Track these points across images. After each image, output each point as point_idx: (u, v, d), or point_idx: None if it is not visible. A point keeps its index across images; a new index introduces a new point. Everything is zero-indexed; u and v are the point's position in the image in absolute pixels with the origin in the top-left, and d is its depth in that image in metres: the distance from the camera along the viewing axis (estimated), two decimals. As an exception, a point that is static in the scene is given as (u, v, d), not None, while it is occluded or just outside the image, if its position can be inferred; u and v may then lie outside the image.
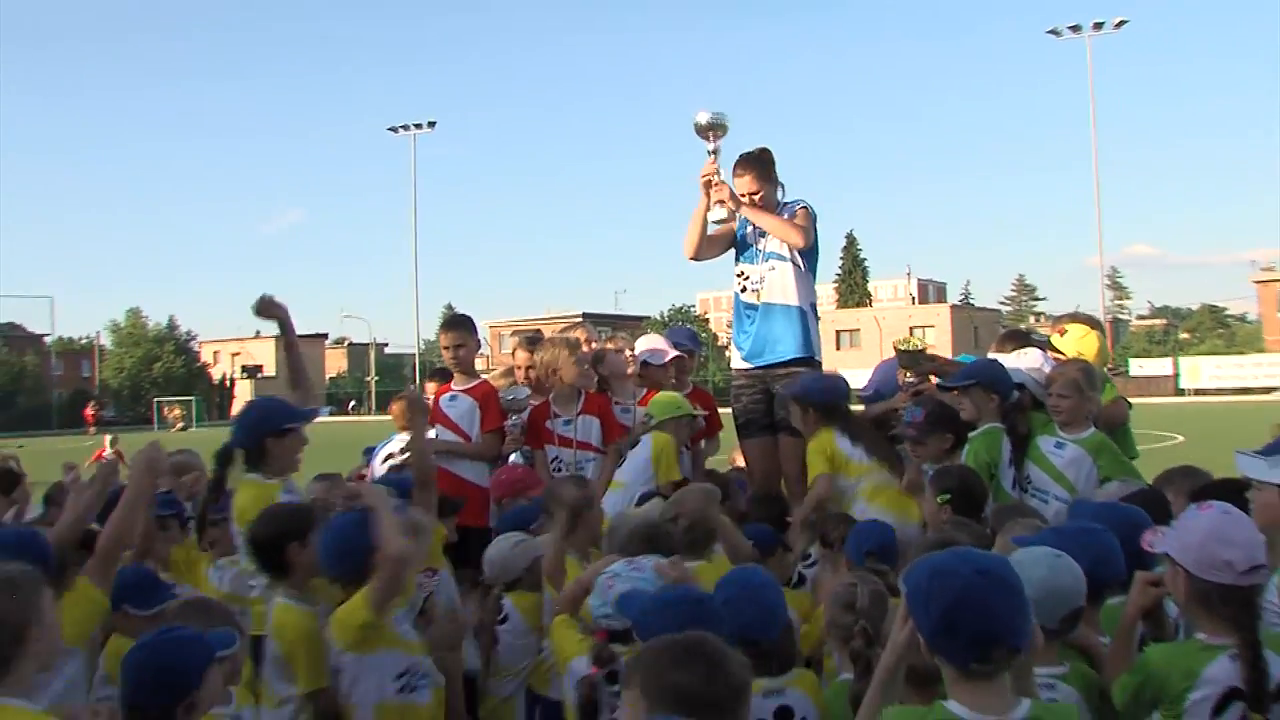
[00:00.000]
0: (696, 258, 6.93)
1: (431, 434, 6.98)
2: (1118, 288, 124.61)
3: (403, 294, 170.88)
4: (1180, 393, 64.30)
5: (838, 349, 76.63)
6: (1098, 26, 59.48)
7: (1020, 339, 6.81)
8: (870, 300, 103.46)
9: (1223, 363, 69.53)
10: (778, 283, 6.68)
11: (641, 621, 3.63)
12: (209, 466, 5.42)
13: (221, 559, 5.68)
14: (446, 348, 7.03)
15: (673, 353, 7.33)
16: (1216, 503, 3.46)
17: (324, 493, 5.24)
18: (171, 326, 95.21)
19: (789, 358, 6.64)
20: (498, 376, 7.62)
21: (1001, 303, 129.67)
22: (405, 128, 74.17)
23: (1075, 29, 59.87)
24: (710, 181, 6.71)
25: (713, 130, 6.72)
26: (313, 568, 4.46)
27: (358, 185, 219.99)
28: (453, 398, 6.86)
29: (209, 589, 5.44)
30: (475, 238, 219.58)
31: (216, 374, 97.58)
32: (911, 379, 6.25)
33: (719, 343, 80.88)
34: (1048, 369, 5.88)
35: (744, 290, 6.84)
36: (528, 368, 7.16)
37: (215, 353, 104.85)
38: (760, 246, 6.74)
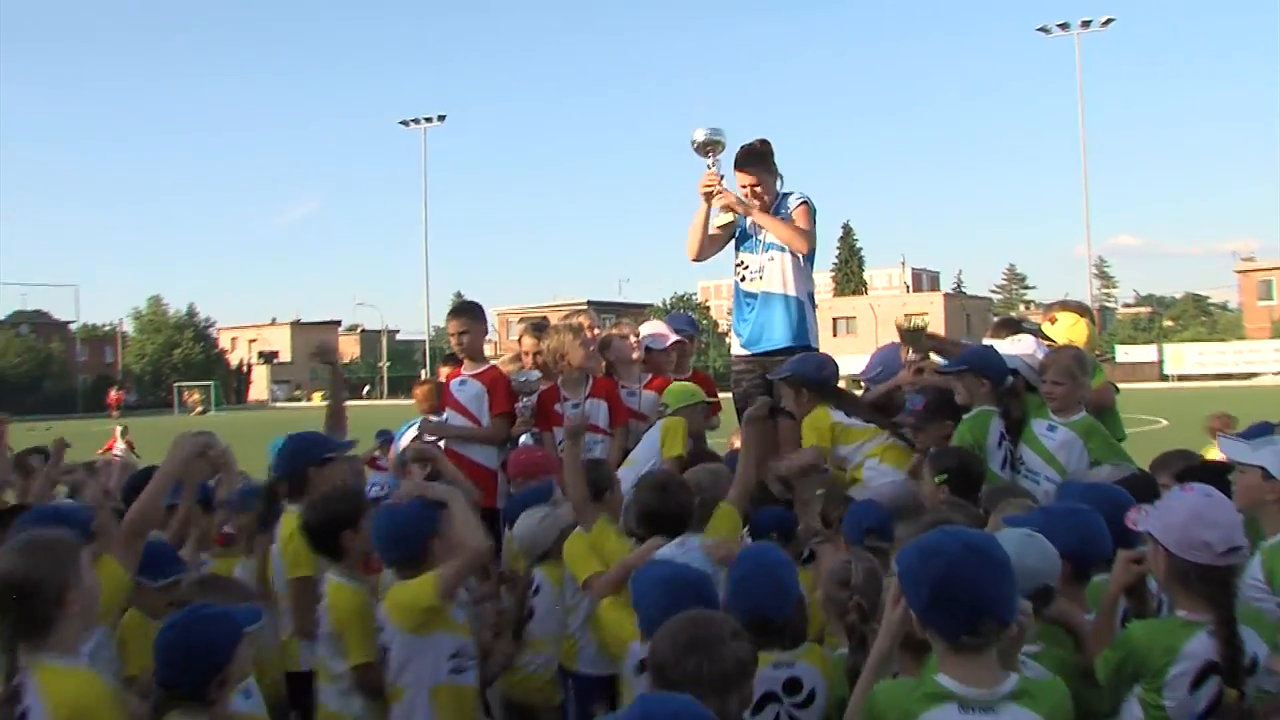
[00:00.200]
0: (699, 259, 6.98)
1: (443, 418, 7.05)
2: (1104, 277, 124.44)
3: (414, 282, 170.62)
4: (1164, 378, 64.23)
5: (834, 336, 76.53)
6: (1086, 24, 59.24)
7: (1013, 326, 6.80)
8: (866, 289, 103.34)
9: (1205, 349, 69.44)
10: (776, 273, 6.68)
11: (639, 601, 3.67)
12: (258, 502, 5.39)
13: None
14: (453, 334, 7.05)
15: (673, 337, 7.37)
16: (1199, 485, 3.48)
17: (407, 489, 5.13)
18: (191, 314, 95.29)
19: (786, 345, 6.66)
20: (506, 362, 7.63)
21: (993, 291, 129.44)
22: (416, 121, 73.98)
23: (1064, 27, 59.64)
24: (712, 192, 6.75)
25: (710, 147, 6.73)
26: (365, 550, 4.54)
27: (370, 177, 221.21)
28: (463, 382, 6.88)
29: None
30: (483, 227, 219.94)
31: (234, 359, 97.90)
32: (914, 356, 6.27)
33: (719, 330, 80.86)
34: (1041, 355, 5.87)
35: (743, 279, 6.84)
36: (535, 353, 7.17)
37: (233, 339, 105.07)
38: (760, 237, 6.73)
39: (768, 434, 6.69)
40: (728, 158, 6.76)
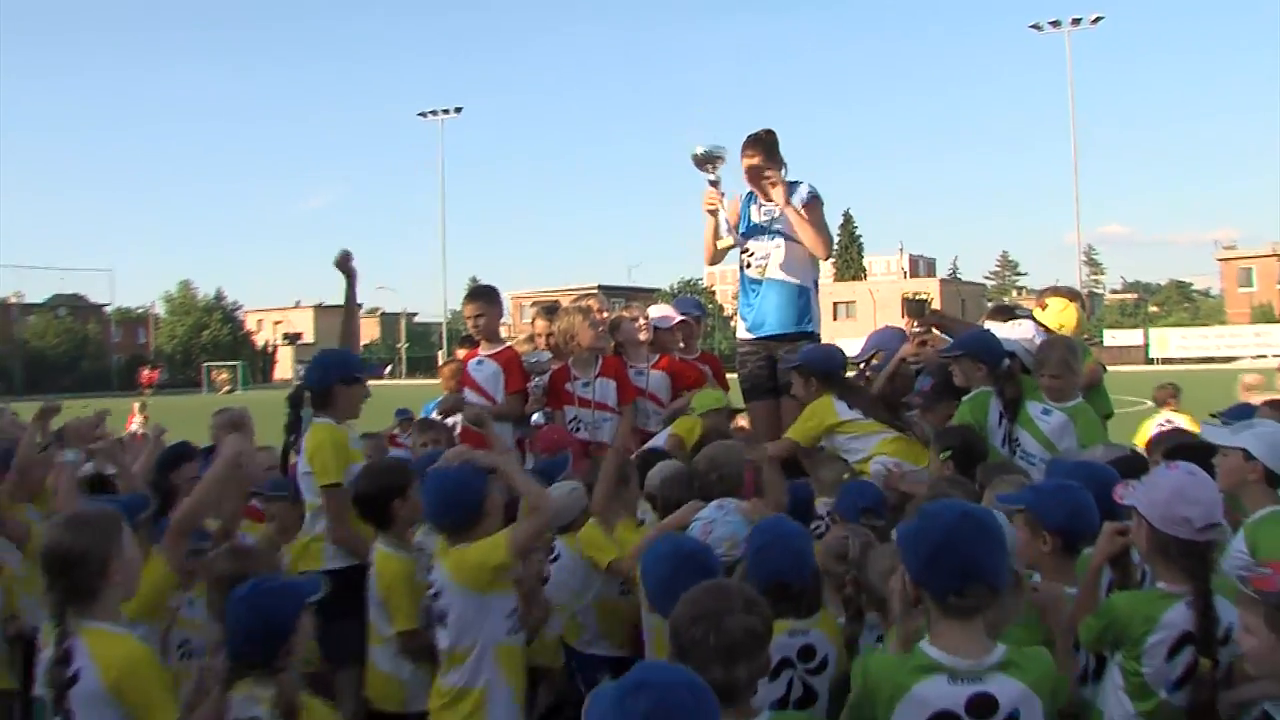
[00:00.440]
0: (713, 264, 7.27)
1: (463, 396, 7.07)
2: (1093, 264, 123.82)
3: (431, 267, 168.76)
4: (1150, 361, 63.93)
5: (835, 319, 76.51)
6: (1076, 22, 58.85)
7: (1007, 313, 6.88)
8: (865, 274, 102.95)
9: (1188, 334, 69.23)
10: (782, 260, 6.72)
11: (645, 573, 3.71)
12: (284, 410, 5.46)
13: None
14: (470, 317, 7.05)
15: (678, 317, 7.38)
16: (1184, 463, 3.49)
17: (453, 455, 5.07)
18: (219, 297, 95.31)
19: (788, 330, 6.68)
20: (520, 343, 7.64)
21: (986, 277, 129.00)
22: (434, 113, 73.88)
23: (1055, 24, 59.30)
24: (715, 210, 6.77)
25: (710, 162, 6.74)
26: (412, 519, 4.56)
27: (389, 167, 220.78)
28: (479, 362, 6.88)
29: None
30: (498, 215, 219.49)
31: (260, 341, 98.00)
32: (917, 329, 6.27)
33: (724, 313, 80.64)
34: (1039, 340, 5.92)
35: (749, 266, 6.87)
36: (547, 335, 7.18)
37: (259, 321, 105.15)
38: (766, 224, 6.76)
39: (773, 414, 6.75)
40: (726, 163, 6.79)
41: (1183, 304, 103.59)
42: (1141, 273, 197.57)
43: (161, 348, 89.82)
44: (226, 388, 70.87)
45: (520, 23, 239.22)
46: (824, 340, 6.79)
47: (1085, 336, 7.50)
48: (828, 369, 6.00)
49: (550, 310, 7.47)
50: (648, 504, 5.02)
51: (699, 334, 7.80)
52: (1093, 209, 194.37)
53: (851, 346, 6.84)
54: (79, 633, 3.29)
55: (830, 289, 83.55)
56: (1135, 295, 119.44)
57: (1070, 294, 6.86)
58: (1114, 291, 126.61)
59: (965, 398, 5.60)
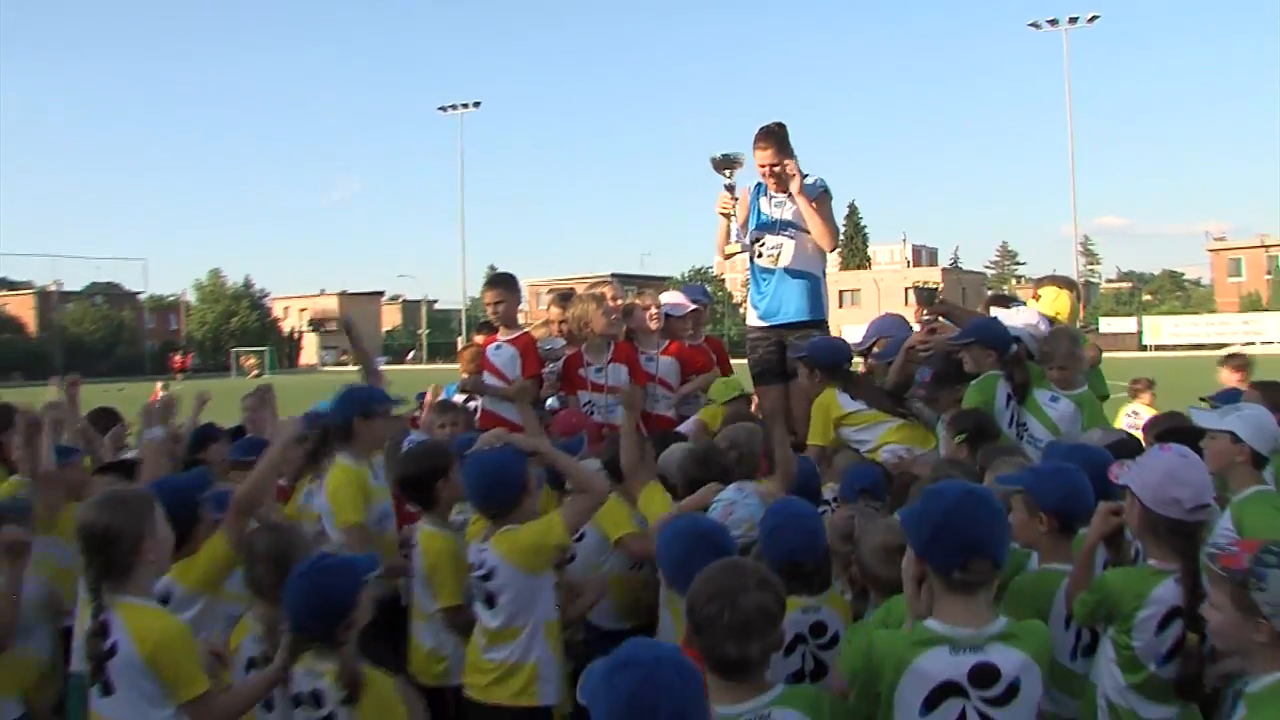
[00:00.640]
0: (727, 258, 7.26)
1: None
2: (1089, 254, 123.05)
3: (451, 255, 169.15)
4: (1143, 348, 63.79)
5: (840, 307, 76.17)
6: (1073, 20, 58.24)
7: (1003, 302, 6.97)
8: (869, 263, 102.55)
9: (1180, 322, 69.14)
10: (792, 252, 6.74)
11: (661, 552, 3.70)
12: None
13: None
14: (489, 304, 7.04)
15: (691, 305, 7.40)
16: (1176, 445, 3.49)
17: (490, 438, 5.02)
18: (247, 285, 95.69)
19: (800, 319, 6.71)
20: (537, 328, 7.64)
21: (986, 266, 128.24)
22: (454, 107, 73.44)
23: (1053, 23, 58.65)
24: (728, 213, 6.79)
25: (728, 166, 6.74)
26: (453, 499, 4.58)
27: (411, 159, 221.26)
28: (498, 347, 6.87)
29: None
30: (516, 205, 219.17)
31: (286, 327, 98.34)
32: (927, 316, 6.28)
33: (734, 300, 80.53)
34: (1044, 327, 5.97)
35: (760, 255, 6.87)
36: (561, 321, 7.18)
37: (285, 308, 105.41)
38: (778, 216, 6.76)
39: (783, 395, 6.77)
40: (743, 167, 6.80)
41: (1175, 293, 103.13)
42: (1135, 263, 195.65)
43: (192, 334, 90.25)
44: (255, 372, 70.95)
45: (537, 19, 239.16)
46: (831, 327, 6.82)
47: (1079, 324, 7.49)
48: (830, 363, 6.02)
49: (565, 297, 7.46)
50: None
51: (706, 320, 7.82)
52: (1089, 201, 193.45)
53: (856, 333, 6.86)
54: (114, 607, 3.32)
55: (836, 277, 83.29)
56: (1129, 284, 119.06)
57: (1064, 282, 6.85)
58: (1109, 281, 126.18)
59: (972, 382, 5.59)
